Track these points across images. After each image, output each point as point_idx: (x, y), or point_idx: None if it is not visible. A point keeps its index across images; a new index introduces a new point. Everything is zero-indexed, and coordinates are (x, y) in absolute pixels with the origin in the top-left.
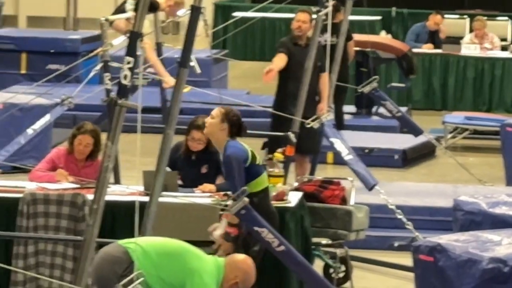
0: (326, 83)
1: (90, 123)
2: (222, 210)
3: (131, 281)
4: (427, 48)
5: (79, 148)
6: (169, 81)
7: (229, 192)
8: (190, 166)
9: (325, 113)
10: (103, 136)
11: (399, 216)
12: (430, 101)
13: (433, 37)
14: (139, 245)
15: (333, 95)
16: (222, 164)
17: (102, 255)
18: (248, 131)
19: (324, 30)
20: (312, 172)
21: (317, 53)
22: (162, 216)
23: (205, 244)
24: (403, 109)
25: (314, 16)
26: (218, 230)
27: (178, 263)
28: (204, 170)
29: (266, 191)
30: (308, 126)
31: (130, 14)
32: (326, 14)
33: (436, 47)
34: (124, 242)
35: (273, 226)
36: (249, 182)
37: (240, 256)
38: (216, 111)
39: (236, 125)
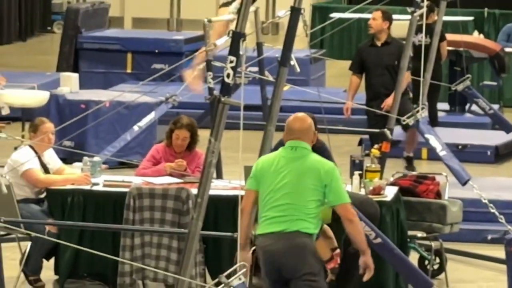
0: (406, 79)
1: (186, 117)
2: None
3: None
4: None
5: (177, 142)
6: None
7: None
8: None
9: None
10: (207, 133)
11: (492, 210)
12: None
13: None
14: None
15: (427, 93)
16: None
17: None
18: (345, 128)
19: (418, 30)
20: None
21: (394, 52)
22: None
23: None
24: (495, 106)
25: (406, 16)
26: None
27: None
28: None
29: None
30: (404, 123)
31: (232, 16)
32: (421, 15)
33: None
34: None
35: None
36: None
37: None
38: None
39: None
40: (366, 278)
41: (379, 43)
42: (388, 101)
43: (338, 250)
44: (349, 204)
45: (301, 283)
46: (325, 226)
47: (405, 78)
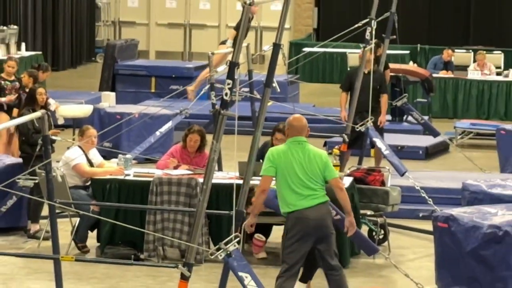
0: (385, 101)
1: (198, 125)
2: None
3: None
4: (442, 74)
5: (190, 144)
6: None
7: None
8: None
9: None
10: (210, 137)
11: (423, 195)
12: (445, 111)
13: (447, 66)
14: None
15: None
16: None
17: None
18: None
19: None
20: (360, 162)
21: (377, 78)
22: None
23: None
24: (426, 117)
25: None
26: None
27: None
28: None
29: None
30: (357, 129)
31: (229, 50)
32: (370, 49)
33: (449, 73)
34: None
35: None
36: None
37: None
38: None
39: None
40: (349, 234)
41: (366, 71)
42: (382, 119)
43: None
44: (338, 178)
45: (330, 236)
46: None
47: (384, 101)
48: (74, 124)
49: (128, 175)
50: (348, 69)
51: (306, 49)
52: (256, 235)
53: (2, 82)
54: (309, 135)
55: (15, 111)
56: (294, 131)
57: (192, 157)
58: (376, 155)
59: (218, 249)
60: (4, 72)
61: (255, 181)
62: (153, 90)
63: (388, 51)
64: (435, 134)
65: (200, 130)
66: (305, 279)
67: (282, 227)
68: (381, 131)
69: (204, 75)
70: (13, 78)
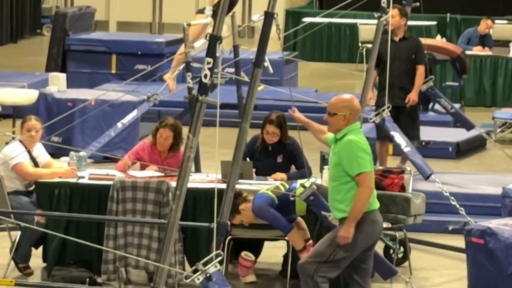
0: (421, 73)
1: (172, 118)
2: (293, 196)
3: None
4: (478, 51)
5: (160, 140)
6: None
7: (302, 180)
8: (267, 156)
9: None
10: (185, 130)
11: (453, 203)
12: (481, 98)
13: (483, 40)
14: None
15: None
16: (297, 155)
17: None
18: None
19: (385, 33)
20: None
21: (412, 46)
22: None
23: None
24: (457, 105)
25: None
26: None
27: None
28: (279, 159)
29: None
30: (371, 120)
31: (208, 20)
32: (387, 19)
33: (486, 49)
34: None
35: None
36: (291, 212)
37: None
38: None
39: None
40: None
41: (396, 39)
42: (412, 96)
43: (310, 241)
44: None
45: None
46: (299, 219)
47: (420, 73)
48: (14, 113)
49: (82, 177)
50: (359, 45)
51: (307, 19)
52: (243, 253)
53: None
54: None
55: None
56: (357, 115)
57: (164, 157)
58: (380, 151)
59: (195, 271)
60: None
61: (241, 185)
62: (113, 71)
63: (410, 22)
64: (468, 126)
65: (174, 124)
66: None
67: (275, 243)
68: (413, 115)
69: (181, 54)
70: None
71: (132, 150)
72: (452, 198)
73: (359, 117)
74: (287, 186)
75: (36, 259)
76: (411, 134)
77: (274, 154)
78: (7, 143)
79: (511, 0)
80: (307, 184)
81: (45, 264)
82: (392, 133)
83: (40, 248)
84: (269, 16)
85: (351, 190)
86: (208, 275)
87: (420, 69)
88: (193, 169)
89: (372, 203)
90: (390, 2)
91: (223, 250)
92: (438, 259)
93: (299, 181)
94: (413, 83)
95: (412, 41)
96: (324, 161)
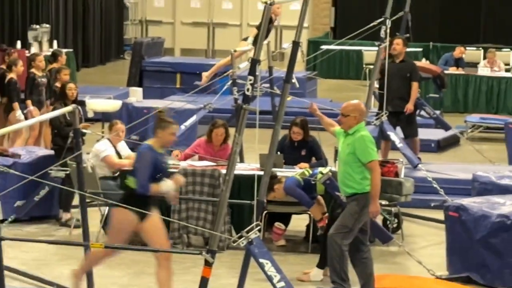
0: (415, 89)
1: (221, 120)
2: (314, 180)
3: None
4: (453, 71)
5: (216, 138)
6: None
7: (321, 168)
8: (294, 150)
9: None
10: (233, 130)
11: (435, 185)
12: (456, 106)
13: (458, 63)
14: None
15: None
16: (316, 150)
17: None
18: None
19: (390, 57)
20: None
21: (408, 67)
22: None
23: (294, 203)
24: (437, 112)
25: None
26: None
27: None
28: (303, 153)
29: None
30: (372, 123)
31: (250, 47)
32: (403, 41)
33: (459, 69)
34: None
35: None
36: (312, 191)
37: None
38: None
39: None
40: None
41: (397, 61)
42: (409, 106)
43: (326, 214)
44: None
45: None
46: (319, 197)
47: (414, 89)
48: (104, 118)
49: None
50: (364, 66)
51: (324, 47)
52: (276, 224)
53: (38, 79)
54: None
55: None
56: (364, 115)
57: (216, 150)
58: (413, 147)
59: (240, 237)
60: (35, 68)
61: (276, 172)
62: (178, 86)
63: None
64: (446, 128)
65: (224, 123)
66: (323, 265)
67: (300, 216)
68: (410, 119)
69: (220, 64)
70: (41, 73)
71: (191, 146)
72: (434, 182)
73: (364, 117)
74: (310, 172)
75: None
76: (408, 133)
77: (299, 148)
78: (98, 141)
79: (478, 32)
80: (324, 171)
81: None
82: (388, 132)
83: None
84: (295, 44)
85: (361, 173)
86: (250, 240)
87: (415, 85)
88: (238, 160)
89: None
90: (387, 34)
91: (261, 222)
92: (423, 228)
93: (319, 169)
94: (409, 94)
95: (409, 63)
96: (337, 154)
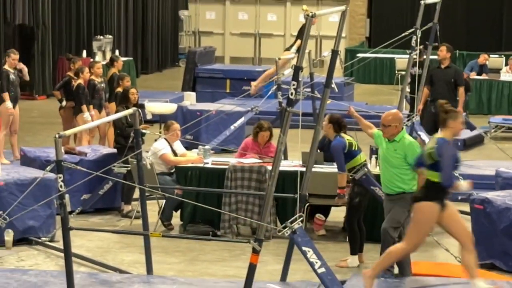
0: (462, 94)
1: (265, 121)
2: (351, 176)
3: None
4: (477, 76)
5: (263, 139)
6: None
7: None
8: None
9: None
10: (278, 131)
11: (462, 180)
12: (480, 108)
13: (482, 69)
14: None
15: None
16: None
17: None
18: None
19: (414, 64)
20: None
21: (453, 73)
22: (313, 179)
23: (333, 196)
24: (464, 114)
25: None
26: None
27: None
28: None
29: (361, 165)
30: (404, 124)
31: (292, 55)
32: (416, 54)
33: (483, 75)
34: None
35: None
36: (348, 162)
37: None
38: (326, 117)
39: (335, 123)
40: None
41: (443, 66)
42: (459, 109)
43: (347, 187)
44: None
45: None
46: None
47: (461, 93)
48: (161, 119)
49: (207, 163)
50: (396, 72)
51: (360, 55)
52: (317, 215)
53: (98, 84)
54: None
55: (112, 106)
56: (402, 123)
57: (262, 148)
58: None
59: (284, 227)
60: (94, 74)
61: (316, 169)
62: (228, 91)
63: (432, 57)
64: (472, 128)
65: (269, 127)
66: (355, 251)
67: (338, 208)
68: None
69: (267, 74)
70: (100, 79)
71: (240, 147)
72: (461, 177)
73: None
74: (356, 142)
75: (176, 219)
76: None
77: None
78: (156, 140)
79: (500, 40)
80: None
81: (182, 222)
82: (419, 132)
83: (179, 212)
84: (334, 53)
85: (409, 175)
86: (293, 230)
87: (461, 90)
88: (283, 157)
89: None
90: (418, 43)
91: (303, 213)
92: None
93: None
94: (453, 99)
95: (453, 69)
96: (372, 152)
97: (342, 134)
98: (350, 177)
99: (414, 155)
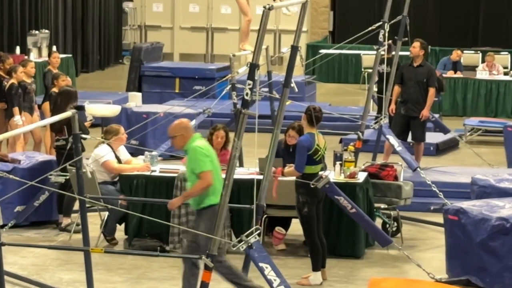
0: (431, 95)
1: (221, 124)
2: (313, 185)
3: None
4: (450, 75)
5: (217, 141)
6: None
7: (321, 172)
8: (289, 155)
9: (383, 119)
10: (232, 135)
11: (434, 189)
12: (454, 109)
13: (456, 66)
14: None
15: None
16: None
17: None
18: (329, 131)
19: (382, 62)
20: (374, 158)
21: (425, 72)
22: (271, 188)
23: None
24: (436, 115)
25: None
26: None
27: None
28: None
29: (312, 176)
30: (371, 127)
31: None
32: (384, 50)
33: (458, 73)
34: None
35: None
36: (306, 166)
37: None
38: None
39: (314, 117)
40: None
41: (415, 64)
42: (425, 112)
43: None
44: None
45: None
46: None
47: (431, 94)
48: (103, 122)
49: (154, 171)
50: (362, 70)
51: (323, 51)
52: (277, 228)
53: (28, 86)
54: (326, 132)
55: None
56: (190, 130)
57: (217, 155)
58: (416, 153)
59: (239, 241)
60: (25, 74)
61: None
62: (177, 91)
63: (401, 53)
64: (445, 131)
65: (225, 126)
66: (317, 267)
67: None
68: (422, 124)
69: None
70: (31, 80)
71: None
72: (433, 185)
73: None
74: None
75: (120, 233)
76: (418, 137)
77: (294, 153)
78: (97, 146)
79: (477, 35)
80: (323, 176)
81: (126, 236)
82: (387, 136)
83: (123, 224)
84: (294, 49)
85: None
86: (249, 244)
87: (431, 91)
88: (238, 164)
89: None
90: (386, 37)
91: (260, 226)
92: (423, 231)
93: (320, 173)
94: (424, 100)
95: (426, 68)
96: (336, 158)
97: (317, 136)
98: (312, 186)
99: (193, 161)
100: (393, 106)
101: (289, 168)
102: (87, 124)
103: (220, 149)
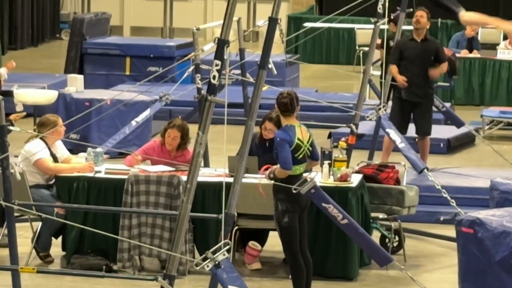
0: (445, 66)
1: (180, 119)
2: (295, 189)
3: None
4: (466, 54)
5: (168, 140)
6: None
7: (305, 174)
8: (265, 151)
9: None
10: (195, 128)
11: (444, 195)
12: (470, 97)
13: (471, 43)
14: None
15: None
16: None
17: None
18: (315, 123)
19: (391, 37)
20: (370, 157)
21: (431, 49)
22: (244, 194)
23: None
24: (447, 104)
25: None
26: None
27: None
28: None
29: (294, 178)
30: (368, 119)
31: (218, 23)
32: (384, 24)
33: (474, 52)
34: None
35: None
36: None
37: None
38: None
39: (280, 104)
40: None
41: (418, 39)
42: (434, 72)
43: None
44: None
45: None
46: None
47: (444, 65)
48: (35, 112)
49: (99, 172)
50: (357, 48)
51: (307, 24)
52: (251, 243)
53: None
54: (312, 125)
55: None
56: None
57: (173, 156)
58: (421, 150)
59: (204, 259)
60: None
61: (248, 179)
62: (127, 73)
63: (404, 27)
64: (458, 124)
65: (181, 125)
66: None
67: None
68: (427, 112)
69: None
70: None
71: (141, 148)
72: (444, 190)
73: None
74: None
75: (56, 248)
76: (421, 129)
77: (271, 149)
78: (28, 140)
79: (497, 5)
80: (308, 179)
81: (64, 253)
82: (387, 130)
83: (60, 238)
84: (273, 22)
85: None
86: (216, 262)
87: (444, 65)
88: (202, 164)
89: None
90: (386, 8)
91: (230, 240)
92: (430, 247)
93: (304, 175)
94: (427, 82)
95: (433, 43)
96: (324, 156)
97: (299, 129)
98: (294, 191)
99: None
100: (403, 78)
101: (274, 168)
102: (17, 116)
103: (176, 150)
